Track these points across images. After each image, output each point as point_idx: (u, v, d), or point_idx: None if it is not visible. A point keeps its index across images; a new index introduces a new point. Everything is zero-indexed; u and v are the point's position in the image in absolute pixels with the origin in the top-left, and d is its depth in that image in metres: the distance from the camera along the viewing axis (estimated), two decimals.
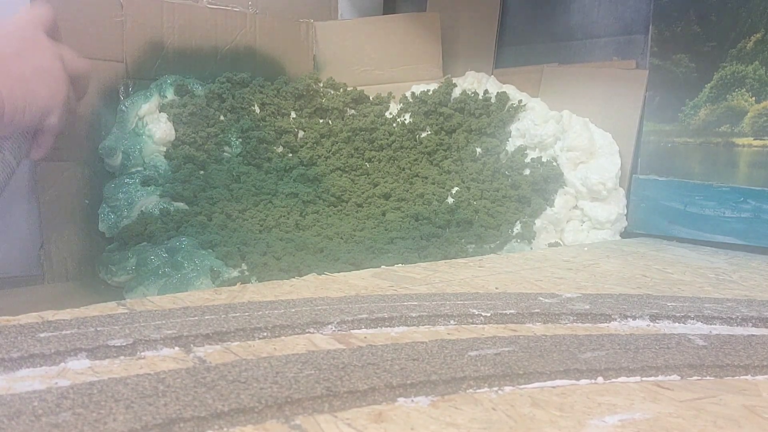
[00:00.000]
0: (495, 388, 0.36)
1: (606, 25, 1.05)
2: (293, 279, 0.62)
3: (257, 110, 1.00)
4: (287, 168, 0.96)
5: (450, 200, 0.95)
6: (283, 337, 0.43)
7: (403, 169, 1.02)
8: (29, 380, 0.35)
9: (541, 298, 0.53)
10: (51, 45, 0.53)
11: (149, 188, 0.83)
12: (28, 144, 0.55)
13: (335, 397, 0.33)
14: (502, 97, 1.03)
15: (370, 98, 1.10)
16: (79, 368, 0.37)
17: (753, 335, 0.46)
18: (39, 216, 0.81)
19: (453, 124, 1.05)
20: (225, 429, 0.30)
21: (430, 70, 1.15)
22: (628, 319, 0.49)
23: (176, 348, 0.40)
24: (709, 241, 0.89)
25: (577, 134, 0.94)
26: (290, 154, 0.99)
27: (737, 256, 0.82)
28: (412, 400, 0.34)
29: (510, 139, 1.01)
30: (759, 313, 0.50)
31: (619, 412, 0.33)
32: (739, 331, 0.48)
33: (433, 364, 0.37)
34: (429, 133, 1.06)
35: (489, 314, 0.48)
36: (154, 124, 0.88)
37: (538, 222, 0.89)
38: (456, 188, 0.98)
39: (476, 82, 1.09)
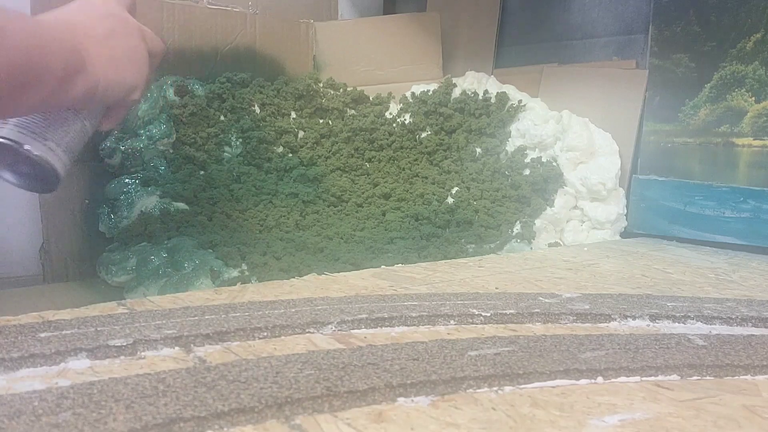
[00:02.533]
0: (495, 388, 0.36)
1: (606, 25, 1.06)
2: (293, 279, 0.62)
3: (257, 110, 1.00)
4: (287, 168, 0.96)
5: (450, 200, 0.95)
6: (283, 337, 0.43)
7: (403, 169, 1.02)
8: (29, 380, 0.35)
9: (541, 298, 0.53)
10: (136, 25, 0.56)
11: (149, 188, 0.83)
12: (101, 115, 0.58)
13: (335, 397, 0.33)
14: (502, 97, 1.03)
15: (370, 98, 1.10)
16: (79, 368, 0.37)
17: (753, 335, 0.46)
18: (39, 216, 0.81)
19: (453, 124, 1.05)
20: (225, 429, 0.30)
21: (430, 70, 1.15)
22: (628, 319, 0.49)
23: (176, 348, 0.40)
24: (709, 241, 0.89)
25: (577, 134, 0.94)
26: (290, 154, 0.99)
27: (737, 256, 0.82)
28: (412, 400, 0.34)
29: (510, 139, 1.01)
30: (759, 313, 0.50)
31: (619, 412, 0.33)
32: (738, 331, 0.48)
33: (433, 364, 0.37)
34: (429, 133, 1.06)
35: (489, 314, 0.48)
36: (154, 124, 0.88)
37: (538, 222, 0.89)
38: (456, 188, 0.98)
39: (476, 82, 1.09)
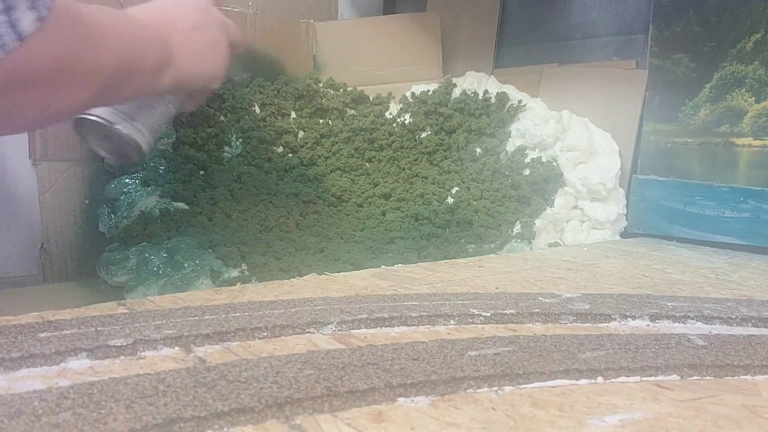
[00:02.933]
0: (495, 388, 0.36)
1: (606, 25, 1.06)
2: (293, 279, 0.62)
3: (257, 110, 1.00)
4: (287, 168, 0.96)
5: (450, 200, 0.95)
6: (283, 337, 0.43)
7: (403, 169, 1.02)
8: (29, 380, 0.35)
9: (541, 298, 0.53)
10: (220, 18, 0.60)
11: (149, 188, 0.83)
12: (184, 98, 0.63)
13: (335, 397, 0.33)
14: (502, 97, 1.03)
15: (370, 98, 1.10)
16: (79, 368, 0.37)
17: (753, 335, 0.46)
18: (39, 216, 0.81)
19: (453, 124, 1.05)
20: (225, 429, 0.30)
21: (430, 70, 1.15)
22: (628, 319, 0.49)
23: (176, 348, 0.40)
24: (709, 241, 0.89)
25: (577, 134, 0.94)
26: (290, 154, 0.99)
27: (737, 256, 0.82)
28: (412, 400, 0.34)
29: (510, 139, 1.01)
30: (759, 313, 0.50)
31: (619, 412, 0.33)
32: (738, 331, 0.48)
33: (433, 364, 0.37)
34: (429, 133, 1.06)
35: (489, 314, 0.48)
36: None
37: (538, 222, 0.89)
38: (456, 188, 0.98)
39: (476, 82, 1.09)
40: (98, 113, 0.56)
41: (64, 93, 0.42)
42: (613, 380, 0.38)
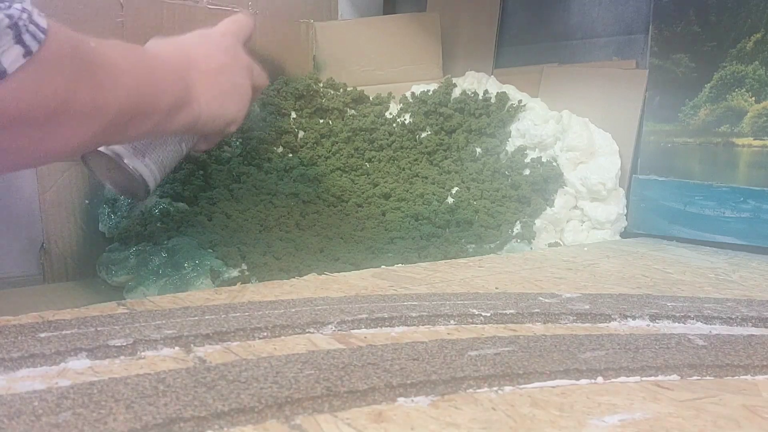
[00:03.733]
0: (495, 388, 0.36)
1: (606, 25, 1.05)
2: (293, 279, 0.62)
3: (257, 110, 1.00)
4: (287, 168, 0.96)
5: (450, 200, 0.95)
6: (283, 337, 0.43)
7: (403, 169, 1.02)
8: (29, 380, 0.35)
9: (541, 298, 0.53)
10: (246, 61, 0.58)
11: None
12: (198, 138, 0.62)
13: (335, 397, 0.33)
14: (502, 97, 1.03)
15: (370, 98, 1.10)
16: (79, 368, 0.37)
17: (753, 335, 0.46)
18: (39, 216, 0.81)
19: (453, 124, 1.05)
20: (225, 429, 0.30)
21: (430, 70, 1.15)
22: (628, 319, 0.49)
23: (176, 348, 0.40)
24: (709, 241, 0.89)
25: (577, 134, 0.94)
26: (290, 154, 0.99)
27: (737, 256, 0.82)
28: (412, 400, 0.34)
29: (510, 139, 1.01)
30: (759, 313, 0.50)
31: (619, 412, 0.33)
32: (738, 331, 0.48)
33: (433, 364, 0.37)
34: (429, 133, 1.06)
35: (489, 314, 0.48)
36: None
37: (538, 222, 0.89)
38: (456, 188, 0.98)
39: (476, 82, 1.09)
40: (109, 146, 0.55)
41: (60, 134, 0.39)
42: (613, 380, 0.38)
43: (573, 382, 0.37)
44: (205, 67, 0.52)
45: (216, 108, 0.53)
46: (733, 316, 0.49)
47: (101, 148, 0.55)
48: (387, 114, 1.08)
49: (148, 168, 0.57)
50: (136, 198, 0.62)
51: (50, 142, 0.39)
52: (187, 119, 0.51)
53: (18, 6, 0.34)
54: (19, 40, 0.33)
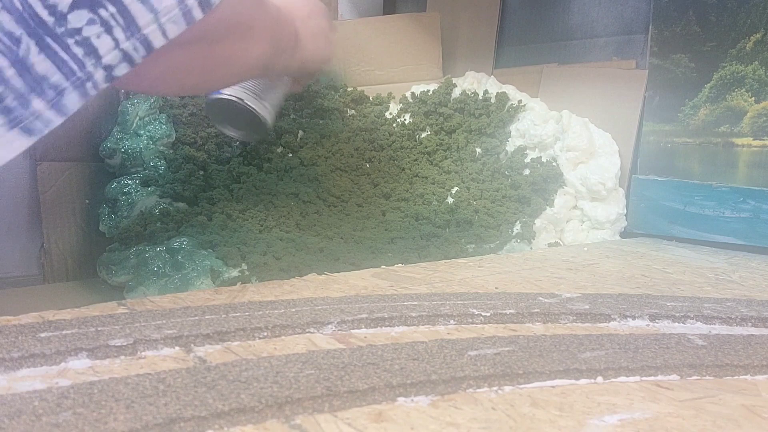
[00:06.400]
0: (495, 388, 0.36)
1: (606, 25, 1.06)
2: (293, 279, 0.62)
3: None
4: (287, 168, 0.96)
5: (450, 200, 0.96)
6: (283, 337, 0.43)
7: (403, 169, 1.02)
8: (30, 380, 0.35)
9: (541, 298, 0.53)
10: (324, 6, 0.66)
11: (149, 188, 0.83)
12: (293, 81, 0.72)
13: (335, 397, 0.33)
14: (502, 97, 1.03)
15: (370, 98, 1.10)
16: (79, 368, 0.37)
17: (752, 335, 0.46)
18: (39, 216, 0.81)
19: (453, 125, 1.05)
20: (225, 429, 0.30)
21: (430, 70, 1.15)
22: (628, 318, 0.49)
23: (176, 348, 0.40)
24: (708, 241, 0.89)
25: (577, 134, 0.94)
26: (290, 155, 0.99)
27: (737, 256, 0.82)
28: (412, 400, 0.34)
29: (510, 139, 1.01)
30: (758, 313, 0.51)
31: (619, 412, 0.33)
32: (738, 331, 0.48)
33: (433, 364, 0.37)
34: (429, 133, 1.06)
35: (489, 314, 0.48)
36: (154, 124, 0.88)
37: (537, 222, 0.89)
38: (456, 188, 0.98)
39: (476, 82, 1.09)
40: (231, 92, 0.64)
41: (250, 49, 0.49)
42: (612, 380, 0.38)
43: (573, 381, 0.37)
44: (301, 14, 0.60)
45: (315, 48, 0.62)
46: (733, 316, 0.49)
47: (225, 94, 0.63)
48: (387, 114, 1.08)
49: (266, 108, 0.66)
50: (255, 138, 0.72)
51: (245, 55, 0.49)
52: (300, 59, 0.60)
53: None
54: None
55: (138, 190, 0.83)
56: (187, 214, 0.81)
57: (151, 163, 0.87)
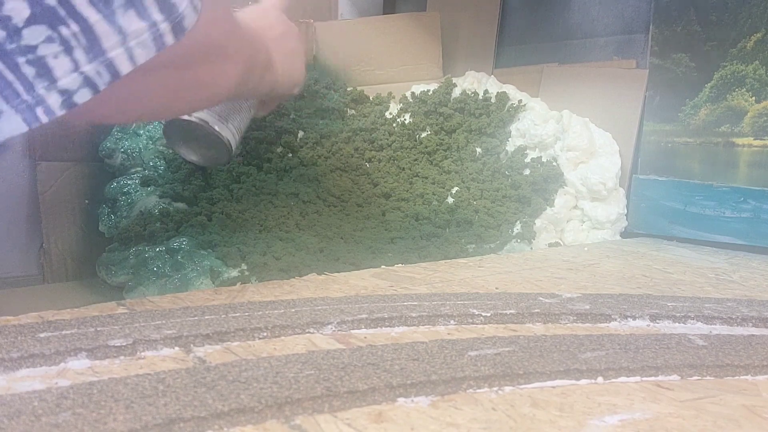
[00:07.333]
0: (495, 388, 0.36)
1: (606, 25, 1.05)
2: (293, 279, 0.62)
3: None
4: (287, 168, 0.96)
5: (450, 200, 0.95)
6: (283, 337, 0.43)
7: (403, 169, 1.02)
8: (29, 380, 0.35)
9: (541, 298, 0.53)
10: (296, 29, 0.64)
11: (149, 188, 0.83)
12: (258, 105, 0.68)
13: (335, 397, 0.33)
14: (502, 97, 1.03)
15: (370, 98, 1.10)
16: (79, 368, 0.37)
17: (753, 335, 0.46)
18: (39, 216, 0.81)
19: (453, 124, 1.05)
20: (225, 429, 0.30)
21: (430, 70, 1.15)
22: (628, 319, 0.49)
23: (176, 348, 0.40)
24: (709, 241, 0.89)
25: (577, 134, 0.94)
26: (290, 154, 0.99)
27: (737, 256, 0.82)
28: (412, 400, 0.34)
29: (510, 139, 1.01)
30: (759, 313, 0.50)
31: (619, 412, 0.33)
32: (739, 331, 0.48)
33: (433, 364, 0.37)
34: (429, 133, 1.06)
35: (489, 314, 0.48)
36: (153, 124, 0.88)
37: (538, 222, 0.89)
38: (456, 188, 0.98)
39: (476, 82, 1.09)
40: (198, 115, 0.60)
41: (224, 74, 0.47)
42: (613, 380, 0.38)
43: (573, 382, 0.37)
44: (273, 35, 0.58)
45: (286, 70, 0.60)
46: (734, 316, 0.49)
47: (189, 116, 0.60)
48: (387, 114, 1.08)
49: (231, 132, 0.63)
50: (218, 163, 0.67)
51: (217, 80, 0.47)
52: (270, 81, 0.57)
53: None
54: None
55: (137, 190, 0.83)
56: (187, 214, 0.81)
57: (151, 163, 0.87)
